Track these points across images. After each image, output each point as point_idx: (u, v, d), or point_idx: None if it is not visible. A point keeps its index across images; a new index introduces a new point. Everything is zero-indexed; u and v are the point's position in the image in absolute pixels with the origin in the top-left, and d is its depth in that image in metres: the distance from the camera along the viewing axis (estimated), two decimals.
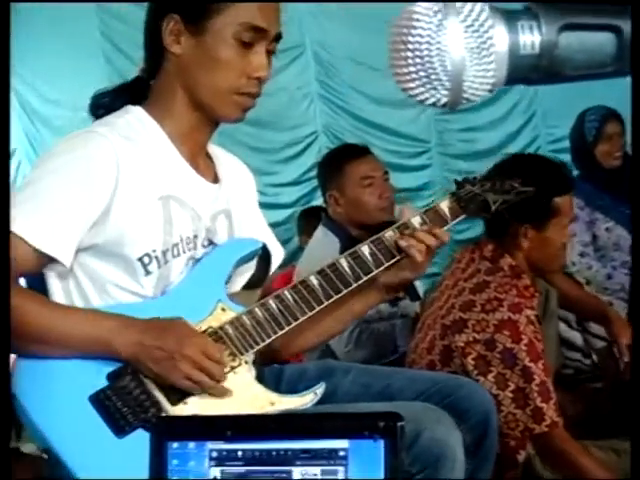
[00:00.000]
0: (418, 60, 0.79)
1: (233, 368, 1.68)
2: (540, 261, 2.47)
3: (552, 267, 2.59)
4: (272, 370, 1.90)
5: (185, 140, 1.79)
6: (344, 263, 1.81)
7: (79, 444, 1.57)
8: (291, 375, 1.90)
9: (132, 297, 1.69)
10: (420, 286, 3.41)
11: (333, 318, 1.91)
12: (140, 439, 1.54)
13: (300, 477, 1.06)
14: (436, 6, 0.79)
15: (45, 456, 1.58)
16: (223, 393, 1.64)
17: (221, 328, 1.70)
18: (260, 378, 1.74)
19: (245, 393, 1.67)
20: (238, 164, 1.99)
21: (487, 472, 1.90)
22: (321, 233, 3.30)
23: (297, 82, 6.56)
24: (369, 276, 1.83)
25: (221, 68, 1.72)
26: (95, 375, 1.61)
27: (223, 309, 1.73)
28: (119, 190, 1.65)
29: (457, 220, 1.93)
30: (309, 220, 4.77)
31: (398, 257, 1.85)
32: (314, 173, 4.31)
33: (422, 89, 0.80)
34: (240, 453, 1.07)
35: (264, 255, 1.89)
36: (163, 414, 1.60)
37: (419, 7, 0.79)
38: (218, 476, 1.08)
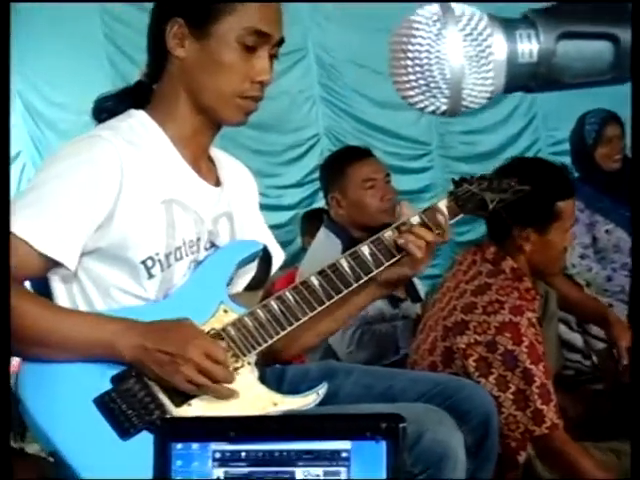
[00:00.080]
0: (418, 68, 0.80)
1: (236, 369, 1.68)
2: (541, 264, 2.48)
3: (553, 270, 2.59)
4: (274, 371, 1.90)
5: (188, 144, 1.79)
6: (344, 263, 1.82)
7: (84, 447, 1.57)
8: (293, 376, 1.91)
9: (135, 300, 1.70)
10: (421, 288, 3.41)
11: (333, 317, 1.91)
12: (144, 440, 1.55)
13: (303, 478, 1.06)
14: (435, 15, 0.80)
15: (51, 459, 1.59)
16: (226, 394, 1.64)
17: (223, 330, 1.71)
18: (262, 379, 1.74)
19: (248, 394, 1.67)
20: (240, 167, 2.00)
21: (488, 473, 1.91)
22: (323, 235, 3.29)
23: (299, 85, 6.54)
24: (369, 276, 1.83)
25: (225, 72, 1.73)
26: (99, 378, 1.62)
27: (225, 311, 1.73)
28: (123, 194, 1.65)
29: (455, 219, 1.93)
30: (312, 222, 4.77)
31: (398, 256, 1.85)
32: (316, 175, 4.30)
33: (422, 97, 0.81)
34: (243, 454, 1.08)
35: (265, 257, 1.90)
36: (167, 416, 1.61)
37: (419, 16, 0.80)
38: (221, 477, 1.08)
